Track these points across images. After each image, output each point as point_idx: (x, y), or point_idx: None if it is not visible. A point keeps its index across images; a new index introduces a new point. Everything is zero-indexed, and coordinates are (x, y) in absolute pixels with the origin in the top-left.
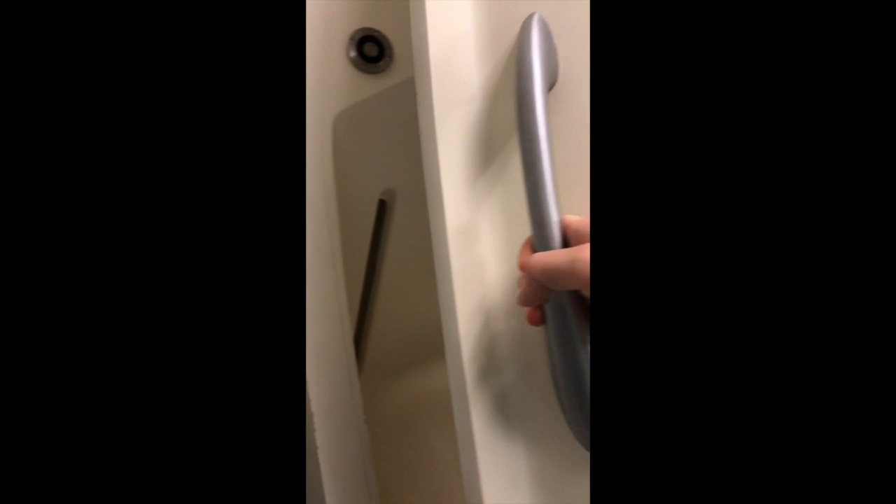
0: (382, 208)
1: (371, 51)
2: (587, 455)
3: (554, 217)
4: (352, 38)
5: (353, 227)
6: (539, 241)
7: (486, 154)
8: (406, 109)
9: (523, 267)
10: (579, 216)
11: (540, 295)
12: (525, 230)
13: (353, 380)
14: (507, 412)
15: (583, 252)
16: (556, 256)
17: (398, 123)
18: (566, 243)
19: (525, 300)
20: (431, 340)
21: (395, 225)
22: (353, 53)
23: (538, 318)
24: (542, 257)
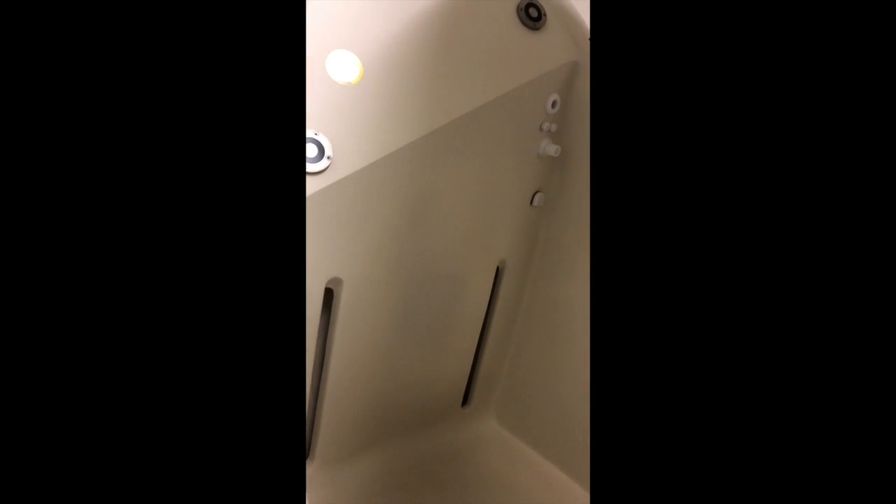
0: (329, 296)
1: (311, 151)
2: None
3: None
4: None
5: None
6: None
7: None
8: (347, 204)
9: None
10: None
11: None
12: None
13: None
14: None
15: None
16: None
17: (340, 217)
18: None
19: None
20: (381, 422)
21: (342, 311)
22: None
23: None
24: None
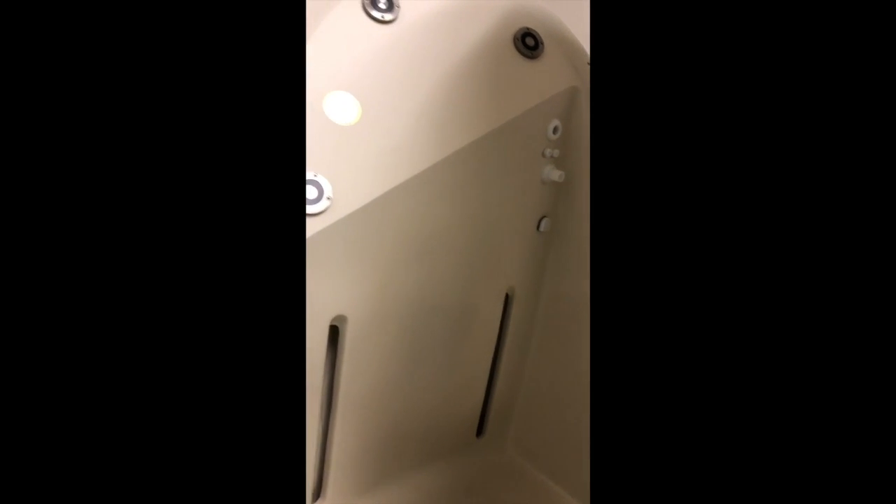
0: (335, 333)
1: (310, 193)
2: None
3: None
4: None
5: (309, 352)
6: None
7: None
8: (349, 243)
9: None
10: None
11: None
12: None
13: None
14: None
15: None
16: None
17: (342, 256)
18: None
19: None
20: (393, 457)
21: (348, 348)
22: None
23: None
24: None
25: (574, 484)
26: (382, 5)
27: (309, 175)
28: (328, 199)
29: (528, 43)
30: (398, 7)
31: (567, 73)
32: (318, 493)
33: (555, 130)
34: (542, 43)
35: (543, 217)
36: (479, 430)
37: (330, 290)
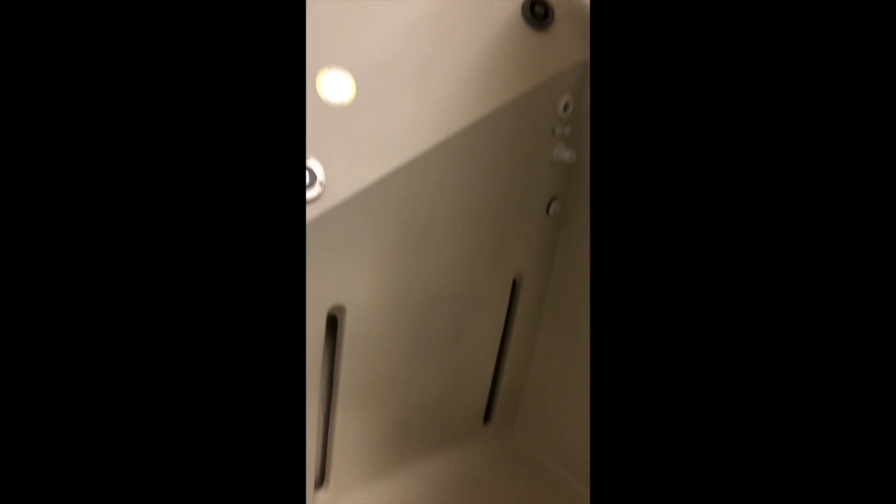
0: (333, 323)
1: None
2: None
3: None
4: None
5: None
6: None
7: None
8: (345, 230)
9: None
10: None
11: None
12: None
13: None
14: None
15: None
16: None
17: (338, 244)
18: None
19: None
20: (398, 445)
21: (347, 338)
22: None
23: None
24: None
25: (583, 470)
26: None
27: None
28: (321, 184)
29: (537, 12)
30: None
31: (579, 46)
32: (320, 481)
33: (565, 107)
34: (553, 12)
35: (553, 200)
36: (486, 417)
37: (325, 280)
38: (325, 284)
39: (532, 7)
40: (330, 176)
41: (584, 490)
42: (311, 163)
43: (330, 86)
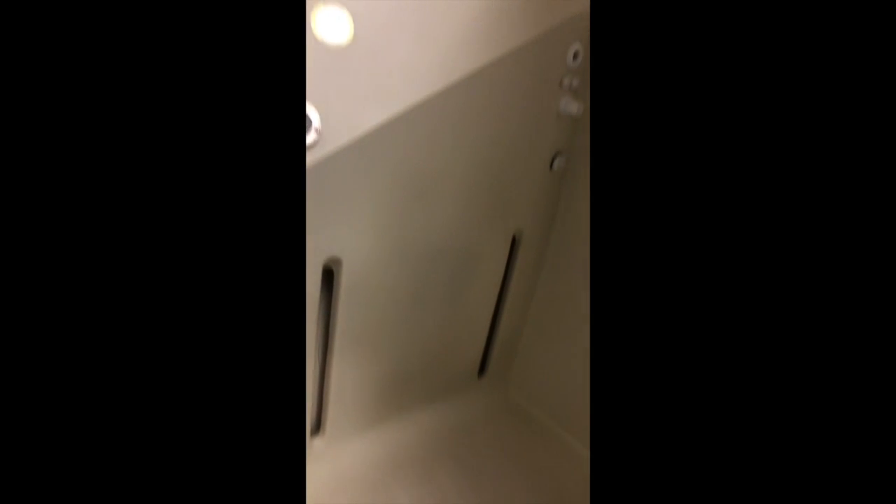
0: (329, 276)
1: None
2: None
3: None
4: None
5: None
6: None
7: None
8: (340, 180)
9: None
10: None
11: None
12: None
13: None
14: None
15: None
16: None
17: (333, 194)
18: None
19: None
20: (393, 396)
21: (343, 291)
22: None
23: None
24: None
25: (574, 425)
26: None
27: None
28: (316, 130)
29: None
30: None
31: None
32: (317, 427)
33: (575, 56)
34: None
35: (557, 154)
36: (481, 371)
37: (321, 231)
38: (321, 236)
39: None
40: (326, 122)
41: (573, 442)
42: (307, 108)
43: (326, 24)
